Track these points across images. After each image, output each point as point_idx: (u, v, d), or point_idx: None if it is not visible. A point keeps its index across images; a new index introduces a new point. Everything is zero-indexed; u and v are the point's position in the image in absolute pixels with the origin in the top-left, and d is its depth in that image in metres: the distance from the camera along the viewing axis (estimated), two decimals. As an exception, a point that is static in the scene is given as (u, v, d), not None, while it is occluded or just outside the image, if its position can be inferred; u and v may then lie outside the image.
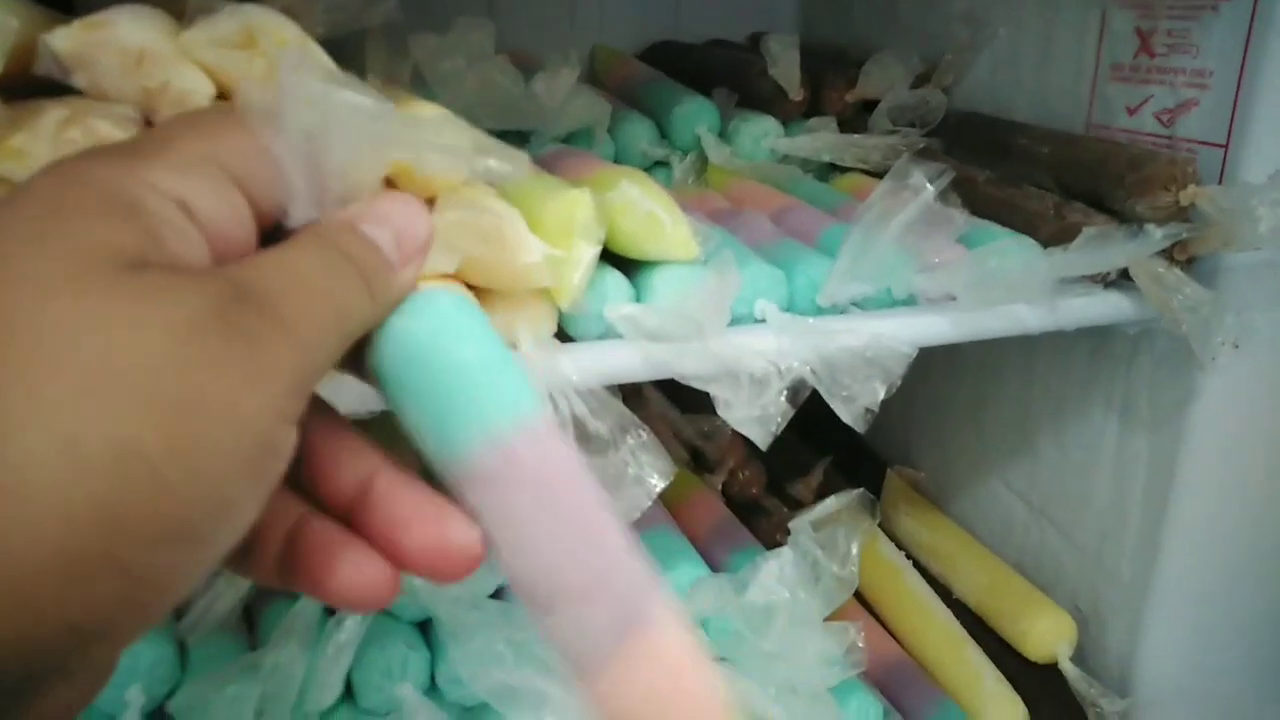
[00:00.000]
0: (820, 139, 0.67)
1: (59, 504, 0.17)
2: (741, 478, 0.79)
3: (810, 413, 0.47)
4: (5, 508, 0.16)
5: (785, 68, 0.70)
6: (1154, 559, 0.63)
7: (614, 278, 0.49)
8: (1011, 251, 0.51)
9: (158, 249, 0.19)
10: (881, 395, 0.48)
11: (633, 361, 0.47)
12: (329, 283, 0.22)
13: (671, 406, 0.80)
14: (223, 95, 0.36)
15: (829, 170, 0.70)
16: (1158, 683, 0.64)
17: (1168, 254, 0.54)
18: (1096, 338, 0.63)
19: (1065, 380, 0.67)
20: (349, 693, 0.52)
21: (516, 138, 0.61)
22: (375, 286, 0.23)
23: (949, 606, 0.70)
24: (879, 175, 0.67)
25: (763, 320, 0.50)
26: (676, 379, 0.47)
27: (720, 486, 0.78)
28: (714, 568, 0.63)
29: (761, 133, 0.69)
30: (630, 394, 0.81)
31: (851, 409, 0.48)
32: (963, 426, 0.77)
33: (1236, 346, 0.55)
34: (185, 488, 0.18)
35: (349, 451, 0.24)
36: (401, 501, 0.24)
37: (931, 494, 0.80)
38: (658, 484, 0.45)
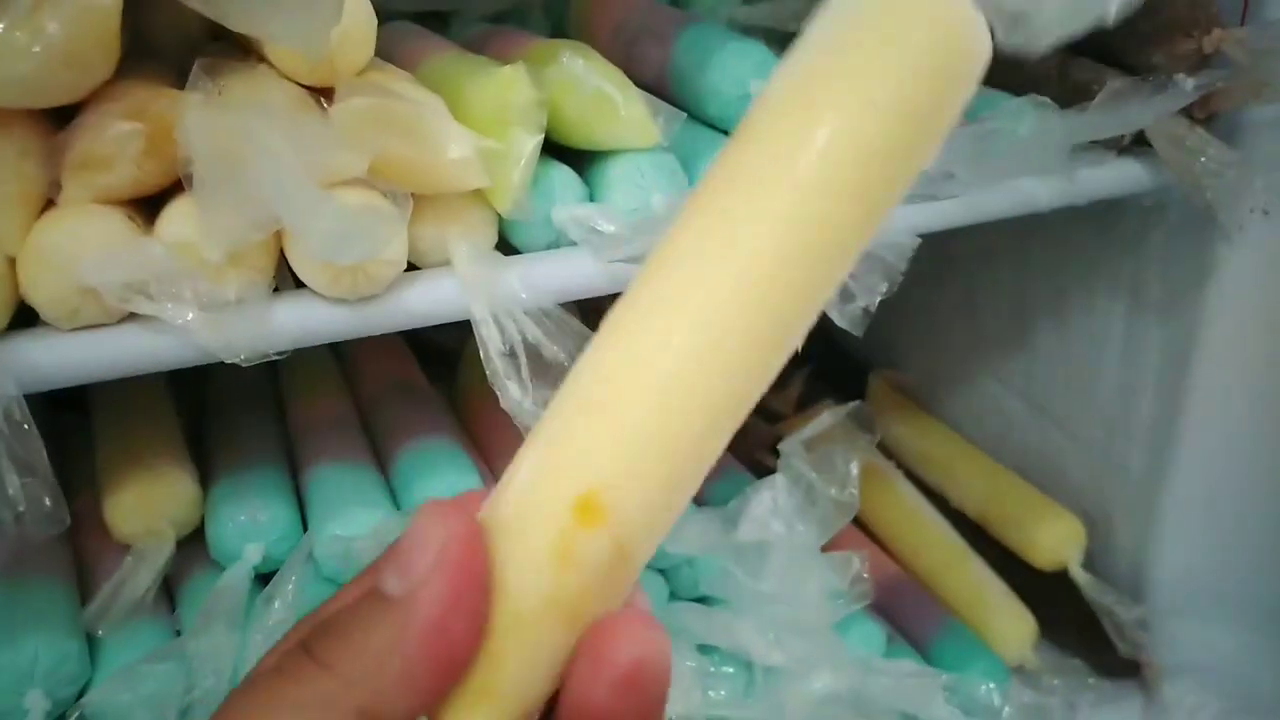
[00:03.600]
0: (785, 6, 0.59)
1: None
2: (715, 393, 0.73)
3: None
4: None
5: (738, -73, 0.61)
6: (1167, 451, 0.58)
7: (561, 173, 0.41)
8: (1020, 115, 0.44)
9: None
10: (882, 293, 0.41)
11: (591, 274, 0.40)
12: None
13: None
14: None
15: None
16: (1173, 586, 0.60)
17: (1186, 112, 0.47)
18: (1100, 214, 0.56)
19: (1066, 263, 0.61)
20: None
21: (434, 20, 0.53)
22: None
23: (947, 517, 0.65)
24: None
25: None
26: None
27: (693, 405, 0.72)
28: (696, 499, 0.57)
29: (718, 1, 0.61)
30: (594, 311, 0.73)
31: (847, 310, 0.41)
32: (952, 322, 0.71)
33: (1267, 213, 0.49)
34: None
35: None
36: None
37: (921, 398, 0.74)
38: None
